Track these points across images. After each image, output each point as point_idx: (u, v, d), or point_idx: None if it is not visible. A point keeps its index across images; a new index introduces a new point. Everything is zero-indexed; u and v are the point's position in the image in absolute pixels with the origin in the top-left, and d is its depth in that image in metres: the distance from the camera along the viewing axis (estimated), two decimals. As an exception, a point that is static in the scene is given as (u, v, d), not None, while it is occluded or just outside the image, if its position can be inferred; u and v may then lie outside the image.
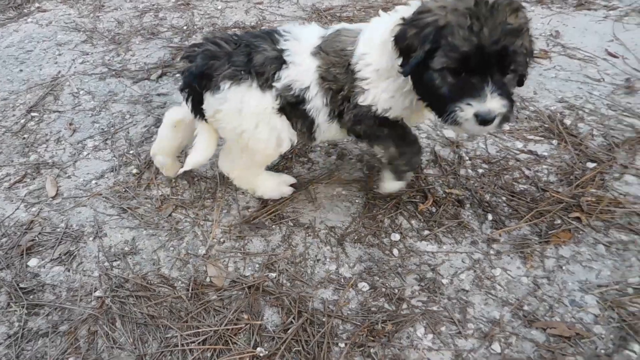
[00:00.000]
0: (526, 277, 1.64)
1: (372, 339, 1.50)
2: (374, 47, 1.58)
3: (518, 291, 1.61)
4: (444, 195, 1.93)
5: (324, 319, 1.55)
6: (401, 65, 1.48)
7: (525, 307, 1.56)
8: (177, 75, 2.73)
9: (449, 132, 2.20)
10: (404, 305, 1.58)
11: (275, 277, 1.69)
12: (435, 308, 1.57)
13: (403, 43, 1.46)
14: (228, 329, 1.55)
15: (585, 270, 1.65)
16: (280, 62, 1.67)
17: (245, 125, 1.70)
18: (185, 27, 3.17)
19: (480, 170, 2.03)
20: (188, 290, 1.67)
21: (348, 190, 1.99)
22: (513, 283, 1.63)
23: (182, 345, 1.51)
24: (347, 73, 1.64)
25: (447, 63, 1.37)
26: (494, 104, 1.35)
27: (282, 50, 1.67)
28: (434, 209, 1.88)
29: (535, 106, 2.30)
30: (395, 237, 1.79)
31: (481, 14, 1.34)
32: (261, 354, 1.48)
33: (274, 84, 1.67)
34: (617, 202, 1.82)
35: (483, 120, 1.36)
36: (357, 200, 1.95)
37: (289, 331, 1.53)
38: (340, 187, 2.00)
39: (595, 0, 3.02)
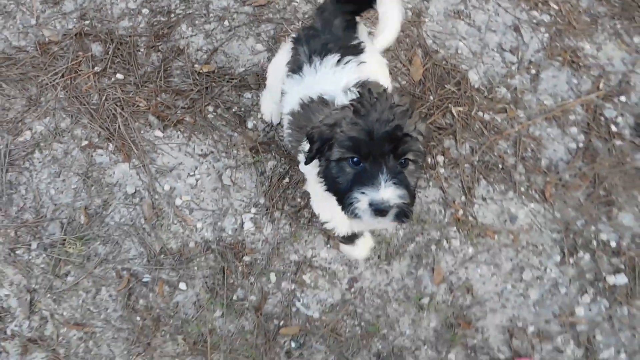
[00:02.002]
0: None
1: (158, 40, 2.55)
2: None
3: (237, -15, 2.63)
4: None
5: (128, 38, 2.55)
6: (306, 155, 1.48)
7: None
8: None
9: None
10: (172, 16, 2.58)
11: (89, 23, 2.59)
12: (191, 11, 2.59)
13: (309, 133, 1.46)
14: (73, 63, 2.52)
15: None
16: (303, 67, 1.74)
17: None
18: None
19: None
20: (37, 50, 2.55)
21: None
22: (234, -19, 2.63)
23: (48, 84, 2.49)
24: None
25: (342, 153, 1.35)
26: (388, 193, 1.27)
27: (311, 61, 1.72)
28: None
29: None
30: (157, -28, 2.65)
31: (366, 101, 1.35)
32: (98, 70, 2.51)
33: (289, 74, 1.79)
34: None
35: (377, 210, 1.28)
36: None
37: (110, 51, 2.53)
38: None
39: None
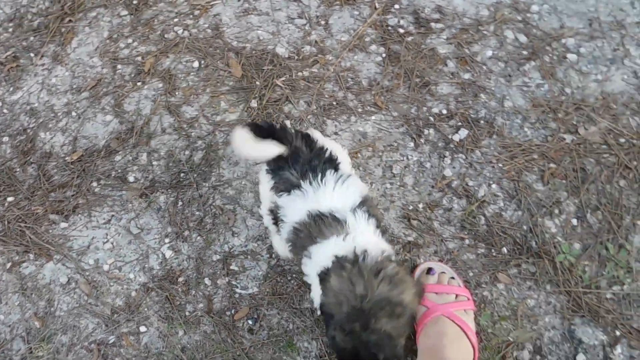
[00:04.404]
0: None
1: (27, 155, 2.92)
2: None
3: None
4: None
5: (2, 166, 2.90)
6: (325, 325, 1.72)
7: None
8: None
9: None
10: (28, 131, 2.96)
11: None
12: (41, 120, 2.97)
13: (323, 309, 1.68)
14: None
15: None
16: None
17: None
18: None
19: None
20: None
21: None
22: None
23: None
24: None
25: None
26: None
27: (306, 178, 1.83)
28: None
29: None
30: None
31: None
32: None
33: (281, 194, 1.91)
34: None
35: None
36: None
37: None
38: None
39: None
